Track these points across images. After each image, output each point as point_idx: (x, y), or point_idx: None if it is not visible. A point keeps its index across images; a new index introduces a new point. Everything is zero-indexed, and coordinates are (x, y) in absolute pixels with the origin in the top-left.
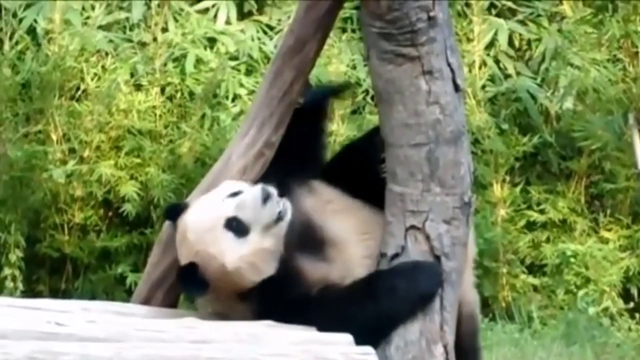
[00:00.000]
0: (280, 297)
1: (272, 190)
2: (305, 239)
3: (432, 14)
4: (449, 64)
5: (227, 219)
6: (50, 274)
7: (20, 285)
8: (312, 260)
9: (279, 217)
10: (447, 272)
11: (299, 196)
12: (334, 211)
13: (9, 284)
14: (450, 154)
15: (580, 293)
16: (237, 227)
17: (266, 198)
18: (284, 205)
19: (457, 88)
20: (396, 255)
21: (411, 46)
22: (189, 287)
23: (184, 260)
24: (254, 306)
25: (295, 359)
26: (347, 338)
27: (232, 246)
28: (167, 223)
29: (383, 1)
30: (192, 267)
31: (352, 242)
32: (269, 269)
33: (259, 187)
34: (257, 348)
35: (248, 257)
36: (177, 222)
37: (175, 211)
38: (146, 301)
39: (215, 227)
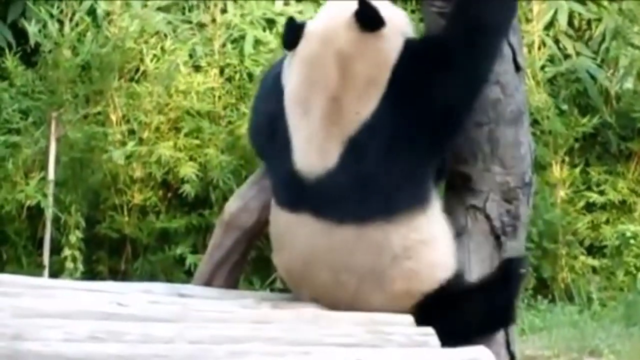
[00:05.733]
0: None
1: None
2: None
3: None
4: (509, 44)
5: None
6: (110, 255)
7: (81, 266)
8: None
9: None
10: (507, 252)
11: None
12: None
13: (69, 264)
14: (510, 134)
15: None
16: None
17: None
18: None
19: (517, 68)
20: (458, 235)
21: None
22: None
23: None
24: None
25: (357, 339)
26: (408, 319)
27: None
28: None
29: None
30: None
31: None
32: None
33: None
34: (319, 329)
35: None
36: None
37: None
38: (208, 282)
39: None
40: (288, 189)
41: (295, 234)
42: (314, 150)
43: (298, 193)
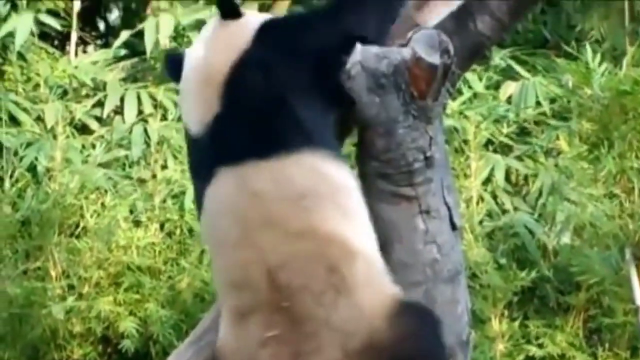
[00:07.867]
0: None
1: None
2: None
3: (428, 154)
4: (445, 203)
5: None
6: None
7: None
8: None
9: None
10: None
11: None
12: None
13: None
14: (447, 293)
15: None
16: None
17: None
18: None
19: (454, 227)
20: None
21: (408, 186)
22: None
23: None
24: None
25: None
26: None
27: None
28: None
29: (379, 142)
30: None
31: None
32: None
33: None
34: None
35: None
36: None
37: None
38: None
39: None
40: (200, 161)
41: (231, 192)
42: (200, 108)
43: (206, 156)
